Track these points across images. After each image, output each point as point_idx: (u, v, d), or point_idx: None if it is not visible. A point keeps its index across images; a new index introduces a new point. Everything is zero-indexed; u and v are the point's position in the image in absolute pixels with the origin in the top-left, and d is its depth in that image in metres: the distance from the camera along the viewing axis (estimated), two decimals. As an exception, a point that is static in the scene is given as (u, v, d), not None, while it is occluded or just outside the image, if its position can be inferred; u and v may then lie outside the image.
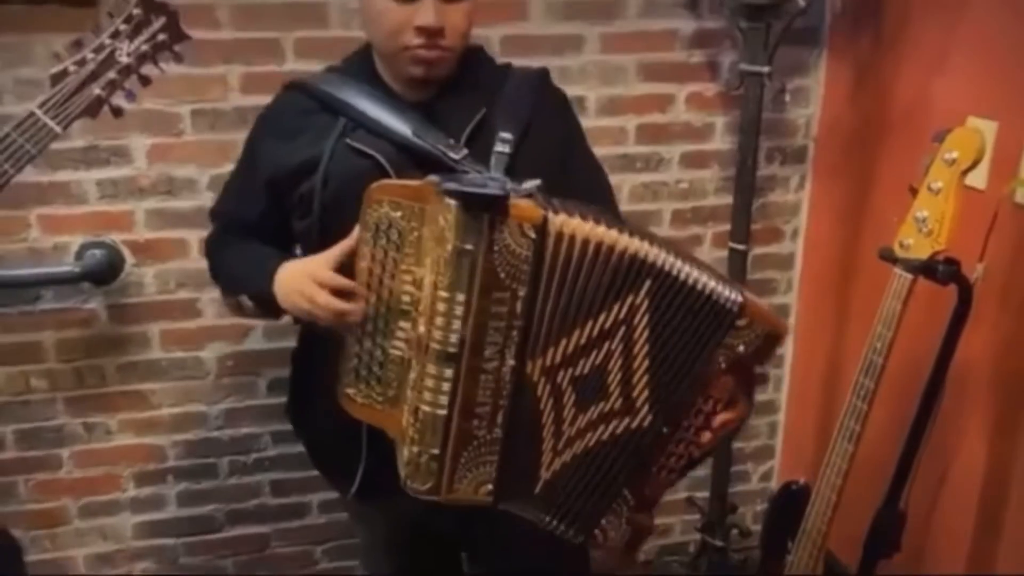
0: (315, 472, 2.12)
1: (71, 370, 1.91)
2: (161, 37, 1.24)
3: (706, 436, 1.20)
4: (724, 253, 2.00)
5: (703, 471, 2.16)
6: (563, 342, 1.13)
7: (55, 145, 1.28)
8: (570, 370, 1.14)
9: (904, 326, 1.46)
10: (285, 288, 1.27)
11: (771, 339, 1.17)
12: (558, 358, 1.14)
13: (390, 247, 1.16)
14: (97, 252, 1.82)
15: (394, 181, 1.20)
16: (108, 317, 1.90)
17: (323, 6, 1.79)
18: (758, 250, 2.20)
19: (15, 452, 1.93)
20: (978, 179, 1.57)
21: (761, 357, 1.18)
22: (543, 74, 1.43)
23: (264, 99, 1.75)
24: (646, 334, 1.14)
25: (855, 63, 1.97)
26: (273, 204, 1.37)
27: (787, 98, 2.05)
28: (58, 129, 1.16)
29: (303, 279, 1.22)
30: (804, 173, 2.17)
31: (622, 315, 1.14)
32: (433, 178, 1.14)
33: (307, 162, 1.29)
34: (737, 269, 1.94)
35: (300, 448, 2.09)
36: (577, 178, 1.38)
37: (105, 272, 1.84)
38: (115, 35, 1.21)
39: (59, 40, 1.65)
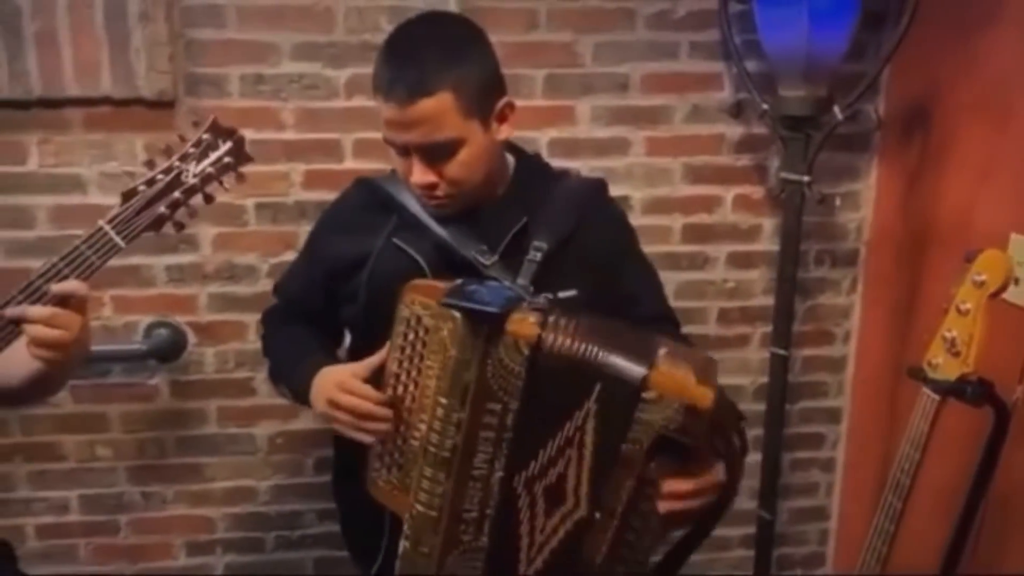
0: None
1: (133, 441, 2.02)
2: (227, 160, 1.29)
3: (661, 506, 1.12)
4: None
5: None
6: (541, 454, 1.15)
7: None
8: (543, 480, 1.15)
9: (949, 439, 1.41)
10: (315, 392, 1.34)
11: (692, 413, 1.06)
12: (537, 470, 1.15)
13: (417, 343, 1.21)
14: (163, 331, 1.95)
15: (426, 281, 1.26)
16: (170, 392, 2.01)
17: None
18: (808, 352, 2.18)
19: (78, 516, 2.05)
20: (1020, 296, 1.54)
21: (689, 433, 1.07)
22: (597, 185, 1.46)
23: (323, 194, 1.90)
24: (593, 435, 1.12)
25: (905, 171, 1.96)
26: (328, 293, 1.44)
27: (838, 202, 2.05)
28: (122, 244, 1.20)
29: (332, 387, 1.27)
30: (855, 276, 2.15)
31: (580, 421, 1.13)
32: (457, 283, 1.20)
33: (360, 256, 1.37)
34: (778, 373, 1.92)
35: (343, 527, 2.15)
36: (624, 285, 1.42)
37: (169, 350, 1.96)
38: (184, 158, 1.26)
39: (140, 139, 1.85)
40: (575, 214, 1.37)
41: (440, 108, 1.21)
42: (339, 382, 1.26)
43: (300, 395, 1.40)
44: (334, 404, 1.26)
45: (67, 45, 1.75)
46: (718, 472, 1.14)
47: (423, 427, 1.19)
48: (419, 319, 1.20)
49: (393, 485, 1.25)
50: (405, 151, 1.27)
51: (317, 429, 2.06)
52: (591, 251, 1.37)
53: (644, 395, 1.08)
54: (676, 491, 1.12)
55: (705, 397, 1.07)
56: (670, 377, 1.09)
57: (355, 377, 1.26)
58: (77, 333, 1.14)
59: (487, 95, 1.28)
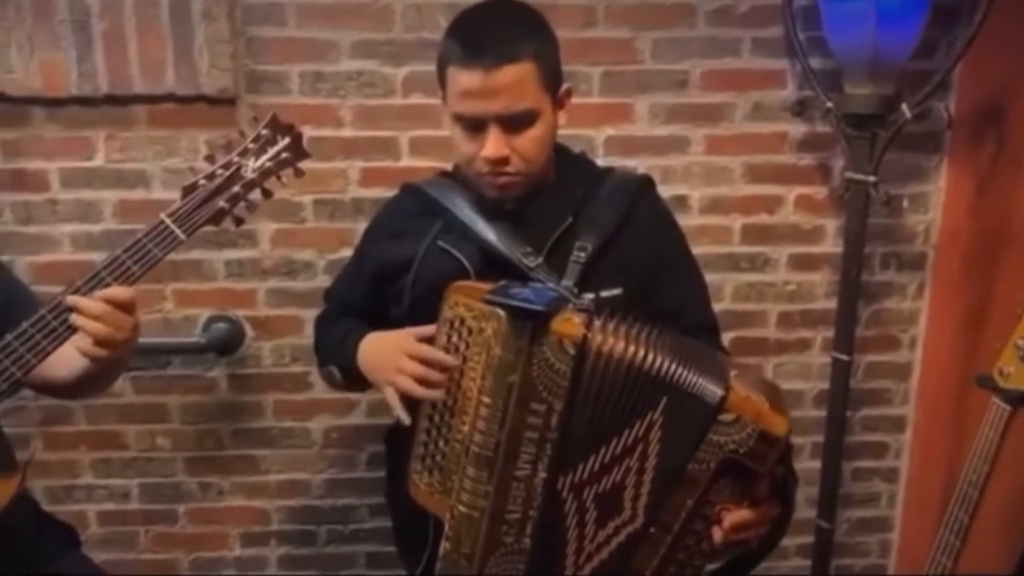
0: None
1: (192, 432, 2.06)
2: (285, 155, 1.31)
3: (717, 534, 1.12)
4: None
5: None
6: (591, 459, 1.14)
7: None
8: (595, 487, 1.14)
9: (1020, 452, 1.36)
10: (371, 356, 1.35)
11: (766, 439, 1.06)
12: (586, 475, 1.14)
13: (461, 343, 1.21)
14: (222, 325, 1.99)
15: (470, 283, 1.25)
16: (228, 385, 2.04)
17: (436, 108, 1.90)
18: (872, 358, 2.12)
19: (138, 504, 2.10)
20: (1100, 304, 1.47)
21: (758, 459, 1.07)
22: (642, 182, 1.43)
23: (380, 192, 1.91)
24: (658, 448, 1.12)
25: (976, 172, 1.89)
26: (377, 298, 1.45)
27: (905, 204, 1.99)
28: (183, 237, 1.22)
29: (393, 350, 1.27)
30: (923, 281, 2.08)
31: (641, 432, 1.12)
32: (501, 284, 1.19)
33: (406, 260, 1.37)
34: (840, 379, 1.87)
35: (394, 523, 2.16)
36: (669, 289, 1.38)
37: (228, 344, 2.00)
38: (243, 153, 1.28)
39: (202, 135, 1.88)
40: (620, 213, 1.36)
41: (524, 75, 1.23)
42: (403, 347, 1.25)
43: (347, 370, 1.41)
44: (398, 368, 1.24)
45: (133, 44, 1.79)
46: (775, 506, 1.14)
47: (465, 428, 1.18)
48: (462, 320, 1.20)
49: (434, 488, 1.25)
50: (479, 126, 1.26)
51: (371, 424, 2.07)
52: (637, 250, 1.35)
53: (720, 417, 1.08)
54: (735, 522, 1.11)
55: (781, 425, 1.07)
56: (748, 401, 1.08)
57: (414, 339, 1.26)
58: (128, 333, 1.17)
59: (557, 72, 1.31)
